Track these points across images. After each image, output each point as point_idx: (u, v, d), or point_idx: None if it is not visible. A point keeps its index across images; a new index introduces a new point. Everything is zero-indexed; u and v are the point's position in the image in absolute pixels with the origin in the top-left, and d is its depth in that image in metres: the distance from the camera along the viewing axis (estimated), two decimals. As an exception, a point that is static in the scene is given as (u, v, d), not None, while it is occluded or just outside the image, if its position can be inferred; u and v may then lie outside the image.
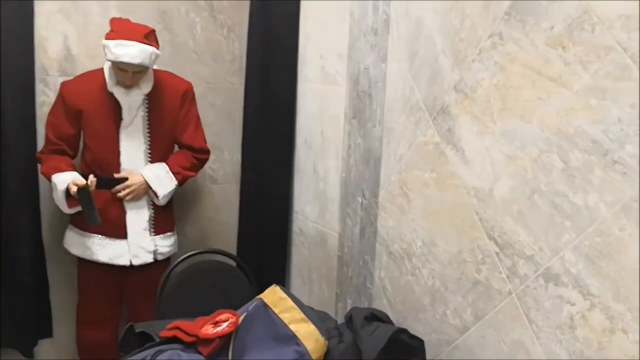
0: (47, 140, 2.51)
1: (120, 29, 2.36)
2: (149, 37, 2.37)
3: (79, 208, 2.45)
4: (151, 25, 2.83)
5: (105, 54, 2.35)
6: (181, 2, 2.96)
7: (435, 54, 1.74)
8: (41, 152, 2.53)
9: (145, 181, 2.52)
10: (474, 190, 1.60)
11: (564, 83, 1.32)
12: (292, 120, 2.63)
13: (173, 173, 2.59)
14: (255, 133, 2.75)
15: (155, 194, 2.55)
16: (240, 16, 3.01)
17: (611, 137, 1.22)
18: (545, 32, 1.36)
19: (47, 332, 2.84)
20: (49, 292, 2.82)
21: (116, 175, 2.51)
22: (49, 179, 2.47)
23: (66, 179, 2.40)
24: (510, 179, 1.48)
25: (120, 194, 2.50)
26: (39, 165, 2.56)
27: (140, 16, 2.84)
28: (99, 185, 2.43)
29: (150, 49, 2.36)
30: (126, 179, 2.50)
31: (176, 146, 2.72)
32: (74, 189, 2.35)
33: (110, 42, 2.32)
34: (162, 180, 2.57)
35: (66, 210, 2.48)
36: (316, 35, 2.45)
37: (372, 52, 2.03)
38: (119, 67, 2.37)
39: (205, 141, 2.72)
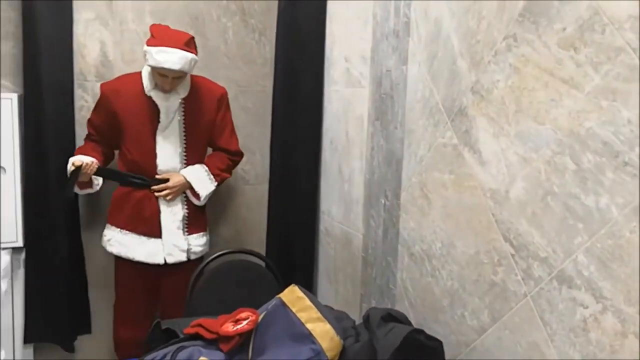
0: (87, 133, 2.69)
1: (161, 36, 2.45)
2: (189, 44, 2.46)
3: (89, 190, 2.62)
4: (184, 30, 2.92)
5: (147, 59, 2.44)
6: (213, 7, 3.04)
7: (453, 56, 1.74)
8: (79, 147, 2.68)
9: (188, 182, 2.62)
10: (490, 192, 1.60)
11: (576, 84, 1.31)
12: (318, 122, 2.67)
13: (213, 174, 2.69)
14: (283, 135, 2.80)
15: (196, 194, 2.65)
16: (271, 20, 3.06)
17: (621, 138, 1.21)
18: (557, 33, 1.36)
19: (86, 329, 2.96)
20: (87, 289, 2.94)
21: (161, 177, 2.61)
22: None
23: (72, 160, 2.53)
24: (524, 181, 1.48)
25: (161, 194, 2.60)
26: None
27: (173, 22, 2.93)
28: (98, 172, 2.57)
29: (190, 55, 2.45)
30: (167, 180, 2.60)
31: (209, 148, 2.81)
32: (70, 167, 2.51)
33: (152, 49, 2.41)
34: (203, 181, 2.67)
35: (80, 192, 2.63)
36: (341, 38, 2.47)
37: (394, 54, 2.05)
38: (159, 73, 2.46)
39: (238, 144, 2.82)
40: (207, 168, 2.70)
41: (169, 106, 2.57)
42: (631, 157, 1.19)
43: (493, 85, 1.58)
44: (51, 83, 2.67)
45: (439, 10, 1.81)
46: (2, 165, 2.57)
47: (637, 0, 1.16)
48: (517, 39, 1.49)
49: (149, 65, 2.45)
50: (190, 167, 2.67)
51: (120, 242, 2.65)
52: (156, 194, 2.60)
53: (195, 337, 1.74)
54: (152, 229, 2.62)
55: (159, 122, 2.59)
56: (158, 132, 2.60)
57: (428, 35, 1.87)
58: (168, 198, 2.60)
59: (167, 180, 2.61)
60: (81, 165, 2.50)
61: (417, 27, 1.92)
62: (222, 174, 2.75)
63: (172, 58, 2.40)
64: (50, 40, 2.65)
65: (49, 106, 2.67)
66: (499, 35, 1.55)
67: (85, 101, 2.84)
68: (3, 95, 2.61)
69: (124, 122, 2.59)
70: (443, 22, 1.79)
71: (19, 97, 2.63)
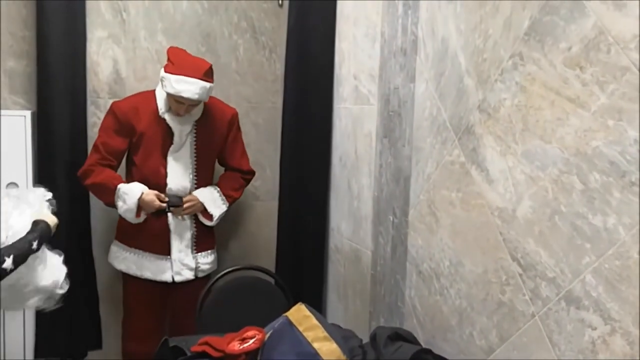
0: (98, 155, 2.60)
1: (180, 64, 2.45)
2: (207, 74, 2.48)
3: (143, 217, 2.59)
4: (195, 48, 2.97)
5: (164, 85, 2.45)
6: (224, 25, 3.07)
7: (460, 74, 1.74)
8: (91, 164, 2.60)
9: (201, 203, 2.63)
10: (498, 211, 1.60)
11: (582, 104, 1.31)
12: (328, 138, 2.68)
13: (225, 196, 2.71)
14: (293, 151, 2.81)
15: (209, 216, 2.66)
16: (281, 38, 3.08)
17: (628, 158, 1.20)
18: (563, 52, 1.35)
19: (97, 344, 2.97)
20: (99, 305, 2.95)
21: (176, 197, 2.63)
22: (112, 189, 2.56)
23: (137, 190, 2.53)
24: (531, 200, 1.47)
25: (178, 210, 2.61)
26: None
27: (185, 40, 2.96)
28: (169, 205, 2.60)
29: (208, 85, 2.47)
30: (181, 198, 2.63)
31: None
32: (157, 203, 2.54)
33: (172, 77, 2.42)
34: (216, 202, 2.70)
35: (133, 220, 2.58)
36: (350, 56, 2.49)
37: (402, 72, 2.05)
38: (176, 100, 2.47)
39: (249, 163, 2.85)
40: (219, 189, 2.73)
41: (183, 129, 2.60)
42: (638, 177, 1.18)
43: (500, 103, 1.58)
44: (64, 100, 2.71)
45: (446, 29, 1.81)
46: (14, 181, 2.60)
47: (642, 20, 1.16)
48: (524, 58, 1.49)
49: (168, 92, 2.46)
50: (202, 189, 2.69)
51: (128, 259, 2.67)
52: (173, 209, 2.61)
53: (203, 355, 1.74)
54: (161, 248, 2.63)
55: (171, 143, 2.60)
56: (170, 152, 2.61)
57: (435, 54, 1.87)
58: (184, 212, 2.62)
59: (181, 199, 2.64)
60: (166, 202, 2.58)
61: (425, 46, 1.93)
62: (234, 195, 2.78)
63: (192, 88, 2.41)
64: (63, 58, 2.70)
65: (62, 123, 2.71)
66: (506, 53, 1.55)
67: (97, 118, 2.87)
68: (16, 112, 2.65)
69: (137, 140, 2.60)
70: (450, 40, 1.79)
71: (32, 115, 2.66)
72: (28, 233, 1.77)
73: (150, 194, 2.54)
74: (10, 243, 1.70)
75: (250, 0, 3.09)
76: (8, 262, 1.62)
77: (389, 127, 2.15)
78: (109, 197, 2.57)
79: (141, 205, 2.53)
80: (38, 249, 1.76)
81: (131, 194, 2.53)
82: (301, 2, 2.69)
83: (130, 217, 2.57)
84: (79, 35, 2.77)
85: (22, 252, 1.69)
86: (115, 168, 2.64)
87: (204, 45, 3.04)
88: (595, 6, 1.26)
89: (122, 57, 2.92)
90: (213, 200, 2.69)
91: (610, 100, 1.24)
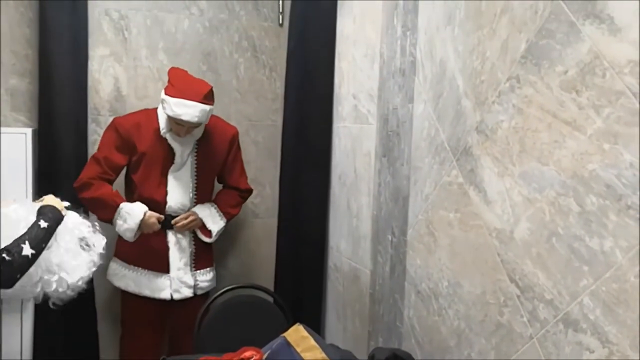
0: (99, 169, 2.58)
1: (180, 86, 2.46)
2: (207, 96, 2.48)
3: (137, 236, 2.59)
4: (197, 66, 2.99)
5: (164, 107, 2.46)
6: (225, 44, 3.10)
7: (458, 96, 1.76)
8: (90, 177, 2.57)
9: (200, 219, 2.64)
10: (496, 232, 1.60)
11: (578, 127, 1.32)
12: (327, 157, 2.69)
13: (223, 212, 2.72)
14: (292, 169, 2.82)
15: (208, 232, 2.67)
16: (281, 56, 3.11)
17: (624, 182, 1.21)
18: (559, 76, 1.37)
19: (95, 360, 2.95)
20: (97, 321, 2.94)
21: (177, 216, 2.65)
22: (113, 207, 2.56)
23: (139, 211, 2.54)
24: (529, 222, 1.48)
25: (178, 224, 2.62)
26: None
27: (186, 58, 2.99)
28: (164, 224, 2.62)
29: (208, 107, 2.48)
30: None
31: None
32: (157, 227, 2.58)
33: (171, 100, 2.43)
34: (215, 218, 2.71)
35: (131, 239, 2.59)
36: (350, 75, 2.50)
37: (400, 92, 2.07)
38: (176, 122, 2.48)
39: (247, 181, 2.87)
40: (216, 206, 2.74)
41: (184, 149, 2.61)
42: (634, 200, 1.19)
43: (497, 125, 1.59)
44: (66, 117, 2.73)
45: (444, 51, 1.83)
46: (14, 198, 2.60)
47: (637, 46, 1.17)
48: (520, 80, 1.50)
49: (168, 115, 2.47)
50: (201, 205, 2.69)
51: (127, 276, 2.67)
52: (176, 225, 2.62)
53: (200, 375, 1.73)
54: (160, 265, 2.63)
55: (172, 162, 2.61)
56: (170, 171, 2.62)
57: (434, 75, 1.89)
58: (181, 228, 2.63)
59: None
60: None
61: (423, 67, 1.95)
62: (231, 211, 2.79)
63: (191, 111, 2.42)
64: (65, 76, 2.72)
65: (63, 140, 2.72)
66: (503, 76, 1.56)
67: (98, 135, 2.88)
68: (17, 130, 2.66)
69: (138, 159, 2.61)
70: (448, 62, 1.81)
71: (33, 132, 2.68)
72: (36, 219, 1.77)
73: (152, 217, 2.56)
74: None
75: (251, 19, 3.12)
76: (27, 249, 1.61)
77: (387, 147, 2.16)
78: (108, 213, 2.57)
79: (142, 226, 2.54)
80: (51, 228, 1.75)
81: (133, 214, 2.54)
82: (301, 22, 2.72)
83: (129, 237, 2.57)
84: (81, 54, 2.79)
85: (35, 234, 1.68)
86: (112, 183, 2.65)
87: (205, 64, 3.07)
88: (591, 31, 1.28)
89: (123, 75, 2.94)
90: (211, 217, 2.70)
91: (606, 123, 1.25)
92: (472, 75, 1.70)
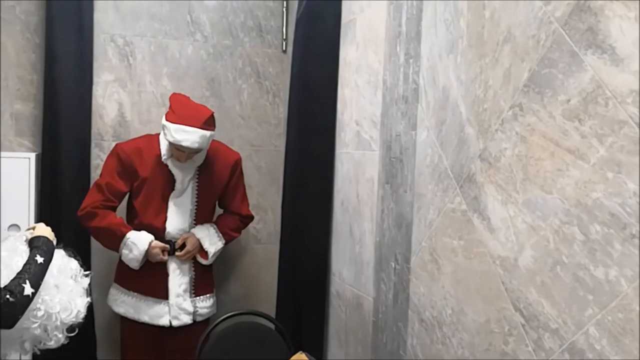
0: (102, 196, 2.58)
1: (181, 112, 2.47)
2: (208, 122, 2.49)
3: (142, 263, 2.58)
4: (200, 92, 3.01)
5: (165, 133, 2.47)
6: (229, 70, 3.12)
7: (462, 123, 1.76)
8: (94, 206, 2.57)
9: (198, 240, 2.63)
10: (500, 260, 1.59)
11: (582, 155, 1.32)
12: (330, 182, 2.68)
13: (222, 233, 2.71)
14: (295, 195, 2.82)
15: (204, 254, 2.65)
16: (284, 83, 3.14)
17: (628, 210, 1.21)
18: (562, 104, 1.38)
19: (95, 387, 2.92)
20: (96, 348, 2.91)
21: (178, 243, 2.64)
22: (120, 237, 2.55)
23: (145, 241, 2.54)
24: (533, 250, 1.47)
25: (180, 255, 2.62)
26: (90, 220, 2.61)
27: (190, 84, 3.02)
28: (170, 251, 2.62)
29: (209, 133, 2.48)
30: (184, 245, 2.64)
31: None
32: (161, 257, 2.58)
33: (172, 126, 2.43)
34: (212, 239, 2.69)
35: (137, 267, 2.58)
36: (352, 102, 2.52)
37: (403, 119, 2.08)
38: (177, 148, 2.49)
39: (249, 207, 2.86)
40: (215, 227, 2.73)
41: (185, 175, 2.61)
42: (638, 229, 1.18)
43: (500, 153, 1.59)
44: (69, 142, 2.74)
45: (447, 79, 1.84)
46: (16, 223, 2.61)
47: (638, 76, 1.18)
48: (523, 109, 1.51)
49: (168, 141, 2.48)
50: (200, 226, 2.69)
51: (126, 302, 2.65)
52: (177, 255, 2.63)
53: (201, 403, 1.71)
54: (159, 292, 2.62)
55: (173, 189, 2.62)
56: (171, 197, 2.62)
57: (436, 102, 1.90)
58: (184, 258, 2.63)
59: (183, 245, 2.64)
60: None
61: (426, 94, 1.96)
62: (231, 233, 2.78)
63: (191, 137, 2.42)
64: (70, 101, 2.74)
65: (66, 164, 2.74)
66: (506, 104, 1.57)
67: (101, 160, 2.89)
68: (21, 154, 2.68)
69: (139, 185, 2.61)
70: (451, 90, 1.82)
71: (37, 157, 2.69)
72: (30, 252, 1.70)
73: (157, 247, 2.56)
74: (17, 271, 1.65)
75: (254, 45, 3.15)
76: (27, 288, 1.59)
77: (391, 173, 2.16)
78: (114, 243, 2.57)
79: (147, 255, 2.54)
80: (46, 262, 1.69)
81: (139, 244, 2.54)
82: (304, 48, 2.74)
83: (135, 266, 2.58)
84: (86, 79, 2.82)
85: (34, 272, 1.62)
86: (116, 210, 2.64)
87: (209, 90, 3.09)
88: (593, 61, 1.29)
89: (127, 101, 2.97)
90: (209, 237, 2.68)
91: (609, 152, 1.25)
92: (474, 103, 1.70)
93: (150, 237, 2.56)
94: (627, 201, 1.21)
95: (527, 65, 1.49)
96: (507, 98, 1.57)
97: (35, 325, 1.65)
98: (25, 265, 1.64)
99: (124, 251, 2.55)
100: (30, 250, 1.71)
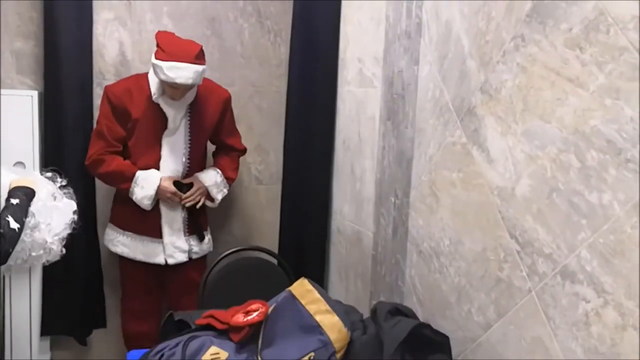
0: (105, 142, 2.60)
1: (171, 49, 2.44)
2: (199, 56, 2.47)
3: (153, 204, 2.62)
4: (201, 32, 2.99)
5: (156, 72, 2.44)
6: (230, 9, 3.09)
7: (463, 56, 1.78)
8: (100, 153, 2.59)
9: (206, 188, 2.67)
10: (498, 190, 1.63)
11: (581, 84, 1.34)
12: (331, 122, 2.71)
13: (226, 178, 2.74)
14: (296, 135, 2.85)
15: (212, 199, 2.70)
16: (286, 22, 3.10)
17: (624, 136, 1.24)
18: (564, 33, 1.39)
19: (102, 323, 3.01)
20: (103, 286, 2.99)
21: (184, 181, 2.65)
22: (129, 177, 2.58)
23: (155, 178, 2.57)
24: (530, 179, 1.51)
25: (187, 202, 2.64)
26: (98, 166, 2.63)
27: (190, 23, 2.99)
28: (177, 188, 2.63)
29: (201, 68, 2.46)
30: (191, 184, 2.65)
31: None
32: (173, 189, 2.59)
33: (163, 64, 2.40)
34: (219, 185, 2.73)
35: (149, 206, 2.61)
36: (355, 39, 2.52)
37: (405, 55, 2.09)
38: (171, 85, 2.48)
39: (241, 141, 2.88)
40: (221, 172, 2.75)
41: (177, 113, 2.60)
42: (633, 154, 1.22)
43: (501, 84, 1.61)
44: (71, 81, 2.74)
45: (449, 12, 1.84)
46: (21, 160, 2.64)
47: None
48: (525, 39, 1.52)
49: (161, 80, 2.45)
50: (206, 172, 2.72)
51: (122, 242, 2.70)
52: (187, 203, 2.64)
53: (207, 327, 1.78)
54: (153, 231, 2.66)
55: (165, 128, 2.62)
56: (164, 137, 2.62)
57: (439, 36, 1.90)
58: (189, 205, 2.65)
59: (190, 184, 2.66)
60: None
61: (429, 28, 1.96)
62: (232, 176, 2.81)
63: (185, 73, 2.40)
64: (70, 39, 2.72)
65: (68, 104, 2.73)
66: (508, 35, 1.58)
67: (103, 99, 2.90)
68: (24, 92, 2.68)
69: (131, 126, 2.61)
70: (454, 23, 1.82)
71: (39, 95, 2.70)
72: (5, 202, 1.74)
73: (167, 181, 2.58)
74: None
75: (256, -16, 3.11)
76: (12, 223, 1.63)
77: (392, 110, 2.19)
78: (125, 184, 2.59)
79: (158, 192, 2.57)
80: (23, 202, 1.74)
81: (150, 180, 2.56)
82: (307, -14, 2.72)
83: (147, 204, 2.59)
84: (86, 17, 2.78)
85: (13, 210, 1.67)
86: (121, 154, 2.64)
87: (209, 29, 3.06)
88: (596, -12, 1.29)
89: (128, 40, 2.95)
90: (217, 185, 2.72)
91: (608, 79, 1.27)
92: (477, 35, 1.71)
93: (159, 172, 2.58)
94: (623, 127, 1.24)
95: (530, -5, 1.50)
96: (509, 29, 1.58)
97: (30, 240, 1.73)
98: (3, 209, 1.69)
99: (136, 189, 2.57)
100: (6, 200, 1.76)
